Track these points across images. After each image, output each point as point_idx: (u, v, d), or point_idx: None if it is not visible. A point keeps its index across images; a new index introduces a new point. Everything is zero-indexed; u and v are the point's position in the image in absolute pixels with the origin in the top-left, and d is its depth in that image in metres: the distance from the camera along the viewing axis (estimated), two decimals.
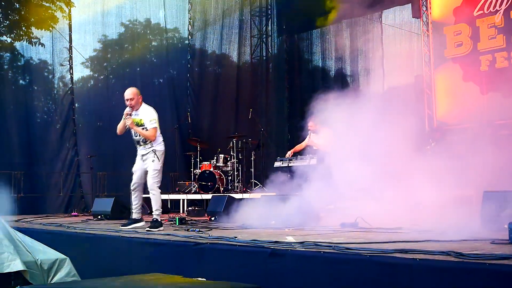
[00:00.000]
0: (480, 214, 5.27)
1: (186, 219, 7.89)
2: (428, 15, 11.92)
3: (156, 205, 6.94)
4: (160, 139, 7.12)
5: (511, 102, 9.33)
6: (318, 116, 9.15)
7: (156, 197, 6.97)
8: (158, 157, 6.97)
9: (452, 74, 11.33)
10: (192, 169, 12.71)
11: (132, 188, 7.18)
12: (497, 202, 5.20)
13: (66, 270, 4.36)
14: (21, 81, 12.90)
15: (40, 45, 12.76)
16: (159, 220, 6.86)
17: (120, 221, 8.51)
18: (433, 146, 9.88)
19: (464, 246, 3.93)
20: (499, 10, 10.40)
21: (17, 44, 12.74)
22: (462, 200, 6.90)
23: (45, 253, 4.39)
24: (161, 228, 6.66)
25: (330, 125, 8.77)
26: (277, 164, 10.14)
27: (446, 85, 11.55)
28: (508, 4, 10.25)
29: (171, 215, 9.01)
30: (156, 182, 6.95)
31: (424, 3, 11.95)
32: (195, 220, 8.24)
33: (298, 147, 10.23)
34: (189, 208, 10.39)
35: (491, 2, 10.57)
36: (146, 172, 7.05)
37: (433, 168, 7.10)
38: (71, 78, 12.99)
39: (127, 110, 7.08)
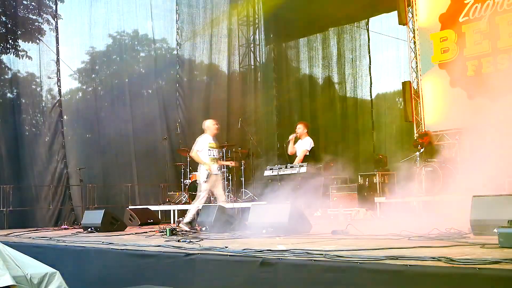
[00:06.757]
0: (469, 219, 5.29)
1: (177, 229, 7.86)
2: (414, 21, 12.03)
3: None
4: None
5: (498, 107, 9.42)
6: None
7: None
8: None
9: (439, 79, 11.43)
10: (182, 179, 12.67)
11: None
12: (486, 206, 5.23)
13: (56, 284, 4.31)
14: (8, 94, 12.80)
15: (27, 58, 12.69)
16: None
17: (110, 233, 8.47)
18: (422, 152, 9.96)
19: (454, 251, 3.95)
20: (484, 15, 10.52)
21: (4, 57, 12.66)
22: (451, 205, 6.94)
23: (35, 267, 4.35)
24: None
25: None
26: (267, 173, 10.14)
27: (434, 90, 11.65)
28: (493, 9, 10.37)
29: (161, 226, 8.96)
30: None
31: (410, 10, 12.07)
32: (186, 231, 8.21)
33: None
34: (180, 218, 10.35)
35: (476, 8, 10.68)
36: None
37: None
38: (59, 90, 12.91)
39: None
